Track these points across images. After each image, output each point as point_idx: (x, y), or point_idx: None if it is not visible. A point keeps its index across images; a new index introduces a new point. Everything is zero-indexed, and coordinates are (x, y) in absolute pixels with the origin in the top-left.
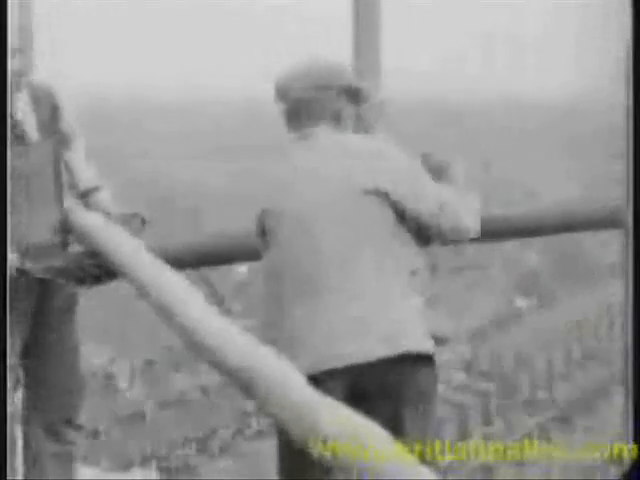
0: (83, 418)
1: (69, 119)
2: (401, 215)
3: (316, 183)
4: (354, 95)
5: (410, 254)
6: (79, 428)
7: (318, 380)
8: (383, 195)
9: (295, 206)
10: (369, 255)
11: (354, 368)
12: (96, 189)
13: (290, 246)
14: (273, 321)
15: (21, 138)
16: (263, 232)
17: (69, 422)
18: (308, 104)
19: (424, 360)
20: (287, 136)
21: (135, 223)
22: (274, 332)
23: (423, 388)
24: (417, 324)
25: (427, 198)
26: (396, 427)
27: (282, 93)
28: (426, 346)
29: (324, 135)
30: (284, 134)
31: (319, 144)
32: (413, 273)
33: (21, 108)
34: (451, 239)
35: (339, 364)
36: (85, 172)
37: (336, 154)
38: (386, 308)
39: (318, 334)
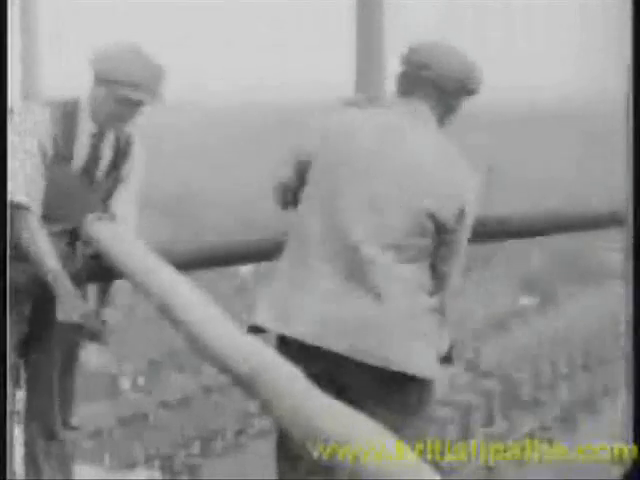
0: (82, 419)
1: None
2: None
3: (396, 169)
4: (466, 94)
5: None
6: (74, 429)
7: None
8: (441, 223)
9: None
10: (407, 265)
11: (342, 359)
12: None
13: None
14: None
15: (42, 156)
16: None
17: (64, 423)
18: (426, 83)
19: (412, 379)
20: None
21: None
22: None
23: (407, 403)
24: (425, 346)
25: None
26: None
27: (410, 62)
28: (417, 369)
29: (423, 123)
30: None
31: (413, 127)
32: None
33: (43, 126)
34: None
35: (332, 348)
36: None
37: (426, 153)
38: (402, 321)
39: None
